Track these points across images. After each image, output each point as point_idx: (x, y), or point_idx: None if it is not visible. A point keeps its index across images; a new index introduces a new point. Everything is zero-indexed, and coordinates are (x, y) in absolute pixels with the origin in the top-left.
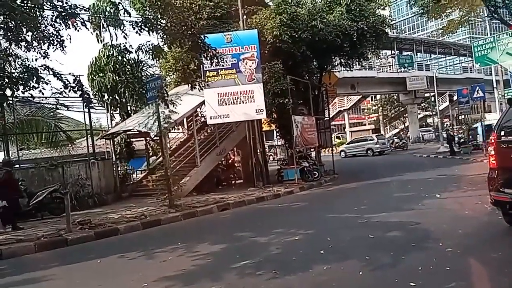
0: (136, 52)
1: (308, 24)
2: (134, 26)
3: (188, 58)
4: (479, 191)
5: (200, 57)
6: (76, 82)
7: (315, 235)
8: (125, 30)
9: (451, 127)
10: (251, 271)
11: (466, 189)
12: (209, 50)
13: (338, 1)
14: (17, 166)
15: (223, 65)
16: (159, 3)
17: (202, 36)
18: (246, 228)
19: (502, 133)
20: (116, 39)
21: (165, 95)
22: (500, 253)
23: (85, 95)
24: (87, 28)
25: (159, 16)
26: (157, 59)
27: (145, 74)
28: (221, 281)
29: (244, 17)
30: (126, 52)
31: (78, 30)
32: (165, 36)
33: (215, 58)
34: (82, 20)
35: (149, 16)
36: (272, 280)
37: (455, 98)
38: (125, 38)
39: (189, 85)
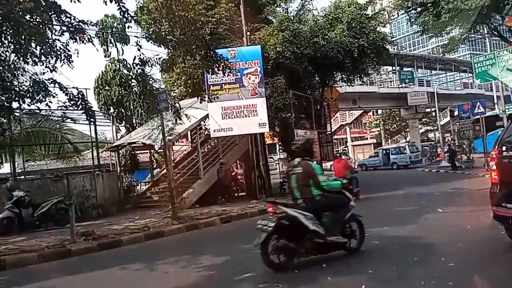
0: (146, 64)
1: (310, 41)
2: (148, 39)
3: (193, 72)
4: (481, 206)
5: (213, 68)
6: (79, 97)
7: None
8: (139, 42)
9: (452, 142)
10: (253, 284)
11: (468, 203)
12: (221, 61)
13: (339, 19)
14: (23, 177)
15: (230, 77)
16: (171, 16)
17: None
18: (248, 240)
19: (504, 148)
20: (122, 54)
21: (177, 107)
22: (502, 268)
23: (88, 110)
24: (93, 44)
25: (171, 29)
26: (165, 72)
27: (150, 87)
28: None
29: (248, 33)
30: (140, 64)
31: (85, 43)
32: (176, 48)
33: (228, 68)
34: (89, 36)
35: (159, 29)
36: None
37: (456, 113)
38: (139, 50)
39: (199, 98)
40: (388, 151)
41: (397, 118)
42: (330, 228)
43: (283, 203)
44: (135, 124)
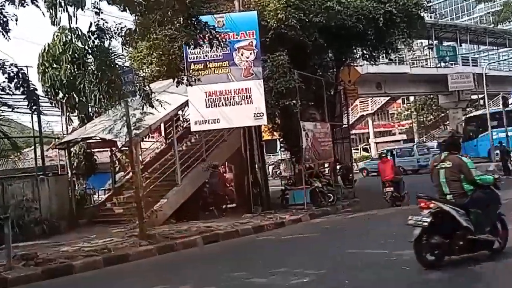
0: (106, 34)
1: (321, 6)
2: (109, 1)
3: (168, 45)
4: None
5: (196, 39)
6: (19, 76)
7: (329, 276)
8: (97, 4)
9: (505, 137)
10: None
11: None
12: (207, 30)
13: None
14: None
15: (217, 53)
16: None
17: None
18: (239, 266)
19: None
20: (76, 21)
21: (147, 91)
22: None
23: (31, 94)
24: (38, 7)
25: None
26: (130, 46)
27: (111, 65)
28: None
29: None
30: (98, 33)
31: (24, 6)
32: (147, 13)
33: (216, 40)
34: None
35: None
36: None
37: (510, 101)
38: (97, 15)
39: (175, 80)
40: (391, 153)
41: (434, 108)
42: (478, 225)
43: (436, 198)
44: (91, 114)
